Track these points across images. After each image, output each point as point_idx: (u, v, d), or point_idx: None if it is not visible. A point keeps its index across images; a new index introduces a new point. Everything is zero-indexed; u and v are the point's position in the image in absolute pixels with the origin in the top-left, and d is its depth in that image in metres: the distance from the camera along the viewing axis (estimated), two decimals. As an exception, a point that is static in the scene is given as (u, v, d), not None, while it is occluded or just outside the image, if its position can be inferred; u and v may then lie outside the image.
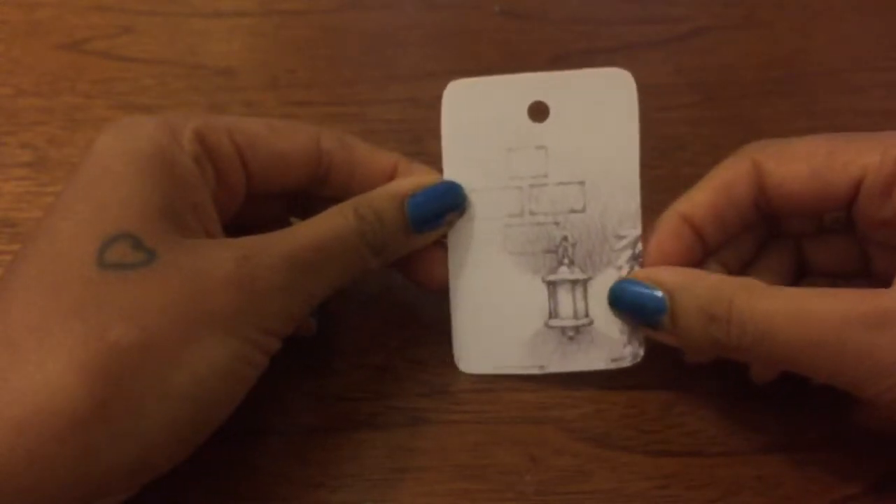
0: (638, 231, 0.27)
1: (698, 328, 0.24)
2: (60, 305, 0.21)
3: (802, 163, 0.25)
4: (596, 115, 0.27)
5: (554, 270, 0.28)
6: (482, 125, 0.28)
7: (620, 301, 0.27)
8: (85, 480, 0.20)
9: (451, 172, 0.28)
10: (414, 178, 0.27)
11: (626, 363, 0.28)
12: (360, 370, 0.29)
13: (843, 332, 0.22)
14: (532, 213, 0.28)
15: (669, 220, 0.27)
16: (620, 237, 0.27)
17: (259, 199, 0.27)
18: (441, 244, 0.28)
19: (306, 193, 0.28)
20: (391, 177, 0.28)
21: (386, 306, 0.31)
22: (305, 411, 0.28)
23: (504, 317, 0.28)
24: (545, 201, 0.27)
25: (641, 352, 0.27)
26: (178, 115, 0.26)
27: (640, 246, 0.27)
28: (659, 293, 0.25)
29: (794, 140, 0.26)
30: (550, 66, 0.38)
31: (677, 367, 0.29)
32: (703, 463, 0.27)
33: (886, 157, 0.24)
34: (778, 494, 0.27)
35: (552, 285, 0.28)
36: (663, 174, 0.34)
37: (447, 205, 0.27)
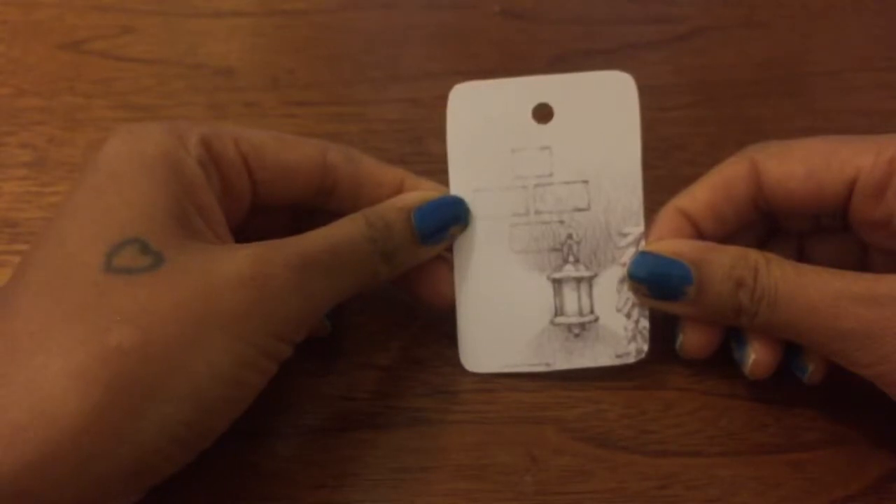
0: (641, 228, 0.28)
1: (725, 294, 0.25)
2: (64, 309, 0.21)
3: (799, 163, 0.26)
4: (599, 117, 0.28)
5: (559, 268, 0.28)
6: (487, 127, 0.28)
7: (643, 273, 0.27)
8: (83, 484, 0.20)
9: (456, 174, 0.28)
10: (420, 193, 0.27)
11: (631, 359, 0.28)
12: (361, 370, 0.29)
13: (837, 304, 0.24)
14: (537, 213, 0.28)
15: (669, 214, 0.27)
16: (624, 235, 0.28)
17: (265, 211, 0.28)
18: (446, 261, 0.28)
19: (312, 207, 0.28)
20: (397, 192, 0.28)
21: (387, 306, 0.31)
22: (306, 411, 0.28)
23: (510, 315, 0.28)
24: (550, 200, 0.28)
25: (646, 348, 0.28)
26: (185, 121, 0.26)
27: (643, 243, 0.27)
28: (685, 263, 0.26)
29: (793, 141, 0.27)
30: (550, 66, 0.38)
31: (677, 367, 0.29)
32: (703, 463, 0.27)
33: (879, 159, 0.25)
34: (778, 494, 0.27)
35: (557, 283, 0.28)
36: (663, 174, 0.34)
37: (451, 217, 0.27)
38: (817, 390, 0.28)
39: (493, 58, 0.38)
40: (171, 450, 0.22)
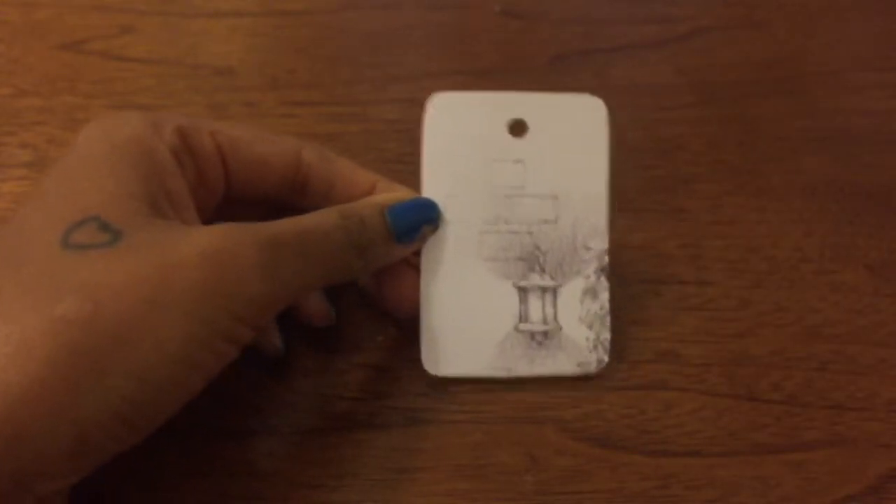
0: (605, 245, 0.28)
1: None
2: (17, 281, 0.21)
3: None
4: (570, 137, 0.28)
5: (525, 277, 0.28)
6: (463, 136, 0.28)
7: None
8: (19, 457, 0.20)
9: (430, 179, 0.28)
10: (393, 193, 0.27)
11: (592, 369, 0.28)
12: (360, 370, 0.29)
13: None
14: (507, 222, 0.28)
15: None
16: (588, 248, 0.28)
17: (238, 204, 0.28)
18: (413, 267, 0.28)
19: (285, 203, 0.28)
20: (369, 194, 0.28)
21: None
22: (304, 411, 0.28)
23: (474, 320, 0.28)
24: (520, 211, 0.28)
25: (606, 358, 0.28)
26: (166, 112, 0.26)
27: (606, 258, 0.28)
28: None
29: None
30: (550, 65, 0.38)
31: (677, 367, 0.29)
32: (702, 463, 0.27)
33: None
34: (778, 494, 0.27)
35: (523, 291, 0.28)
36: (663, 174, 0.34)
37: (424, 217, 0.28)
38: (816, 390, 0.28)
39: (493, 58, 0.38)
40: (116, 428, 0.21)
